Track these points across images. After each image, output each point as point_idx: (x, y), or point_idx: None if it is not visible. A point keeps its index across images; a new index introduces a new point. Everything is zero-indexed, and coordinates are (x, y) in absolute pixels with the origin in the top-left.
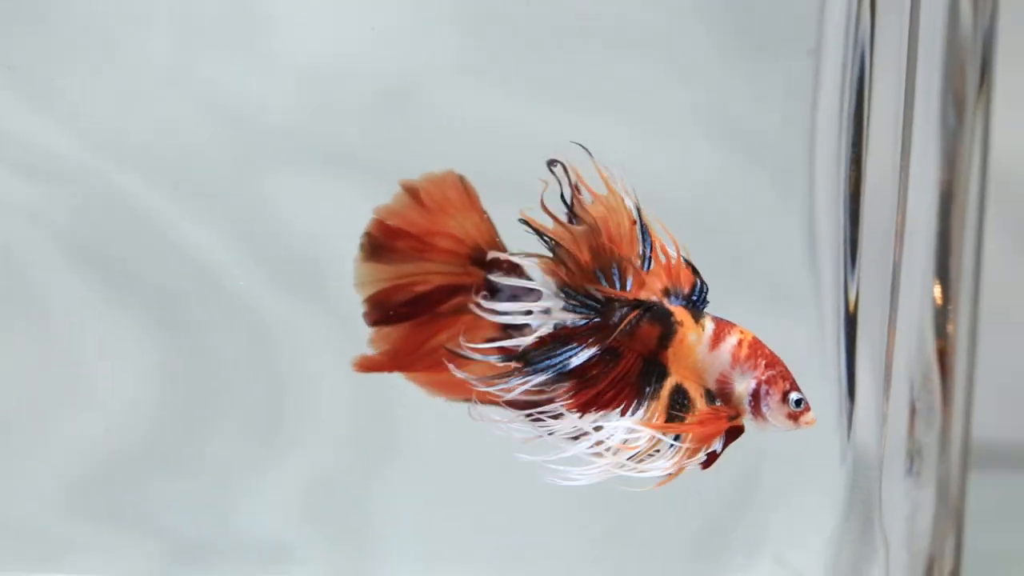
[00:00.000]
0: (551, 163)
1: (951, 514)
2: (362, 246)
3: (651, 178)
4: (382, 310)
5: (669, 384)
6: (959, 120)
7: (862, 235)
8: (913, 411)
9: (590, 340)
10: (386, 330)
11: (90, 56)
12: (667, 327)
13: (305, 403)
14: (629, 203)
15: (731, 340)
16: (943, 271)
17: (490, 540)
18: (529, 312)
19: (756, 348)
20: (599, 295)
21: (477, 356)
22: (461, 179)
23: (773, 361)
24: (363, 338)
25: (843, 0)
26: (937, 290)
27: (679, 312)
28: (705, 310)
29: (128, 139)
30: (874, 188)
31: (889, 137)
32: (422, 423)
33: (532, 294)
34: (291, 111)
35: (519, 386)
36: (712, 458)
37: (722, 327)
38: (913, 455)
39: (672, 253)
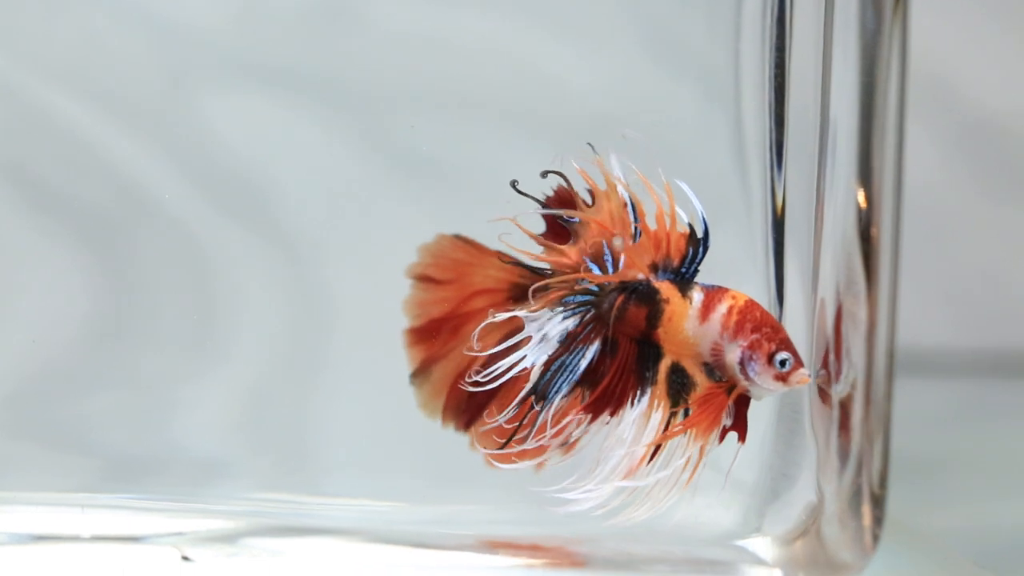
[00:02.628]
0: (544, 174)
1: (879, 416)
2: (416, 375)
3: (576, 86)
4: (466, 409)
5: (664, 365)
6: (878, 23)
7: (787, 139)
8: (839, 314)
9: (591, 336)
10: (484, 423)
11: None
12: (653, 306)
13: (238, 316)
14: (621, 189)
15: (720, 309)
16: (866, 174)
17: (429, 450)
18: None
19: (745, 313)
20: (591, 285)
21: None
22: (456, 237)
23: (760, 323)
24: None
25: None
26: (860, 194)
27: (665, 288)
28: (697, 279)
29: (53, 52)
30: (798, 92)
31: (811, 40)
32: (358, 334)
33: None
34: (224, 23)
35: (545, 428)
36: (737, 431)
37: (711, 296)
38: (841, 357)
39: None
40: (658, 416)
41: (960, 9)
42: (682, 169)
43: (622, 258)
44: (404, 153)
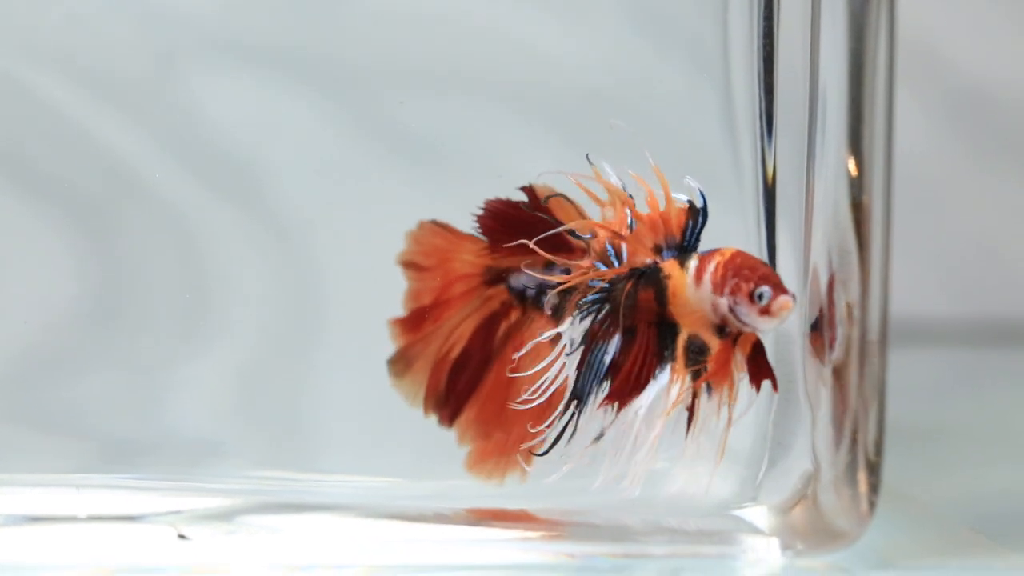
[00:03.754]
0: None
1: (873, 383)
2: (393, 363)
3: (564, 60)
4: (449, 401)
5: (681, 339)
6: None
7: (777, 108)
8: (832, 283)
9: (610, 331)
10: (463, 418)
11: None
12: (658, 285)
13: (230, 296)
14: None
15: (709, 269)
16: (856, 142)
17: (423, 425)
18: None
19: (728, 264)
20: (602, 282)
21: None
22: (434, 222)
23: (740, 267)
24: (288, 234)
25: None
26: (851, 162)
27: (667, 265)
28: (697, 247)
29: (41, 35)
30: (787, 61)
31: (799, 9)
32: (349, 311)
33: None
34: (208, 4)
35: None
36: (763, 378)
37: (704, 260)
38: (834, 325)
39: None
40: (677, 388)
41: None
42: (672, 142)
43: (624, 249)
44: (395, 132)
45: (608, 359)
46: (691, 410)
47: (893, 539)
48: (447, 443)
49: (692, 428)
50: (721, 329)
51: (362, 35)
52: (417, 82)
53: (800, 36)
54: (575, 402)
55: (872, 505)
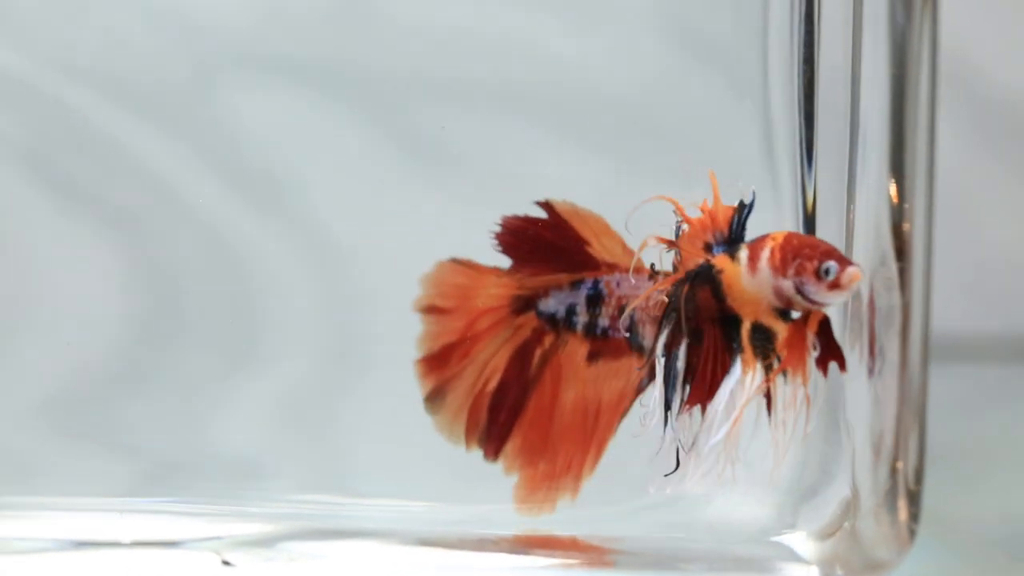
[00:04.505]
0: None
1: (914, 413)
2: (429, 402)
3: (610, 82)
4: (492, 435)
5: (745, 329)
6: (908, 16)
7: (817, 135)
8: (872, 310)
9: (679, 337)
10: (510, 447)
11: None
12: (713, 281)
13: (272, 316)
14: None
15: (764, 255)
16: (898, 169)
17: (462, 451)
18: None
19: (785, 246)
20: (664, 296)
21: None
22: (454, 260)
23: (799, 248)
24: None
25: None
26: (892, 188)
27: (718, 260)
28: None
29: (78, 53)
30: (828, 87)
31: (840, 36)
32: (392, 334)
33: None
34: (245, 19)
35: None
36: (831, 358)
37: (755, 248)
38: (874, 354)
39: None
40: (750, 379)
41: None
42: (712, 167)
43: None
44: (434, 147)
45: (682, 365)
46: (768, 398)
47: (929, 565)
48: (489, 468)
49: (773, 416)
50: (784, 313)
51: (399, 49)
52: (441, 92)
53: (841, 61)
54: (668, 410)
55: (912, 533)
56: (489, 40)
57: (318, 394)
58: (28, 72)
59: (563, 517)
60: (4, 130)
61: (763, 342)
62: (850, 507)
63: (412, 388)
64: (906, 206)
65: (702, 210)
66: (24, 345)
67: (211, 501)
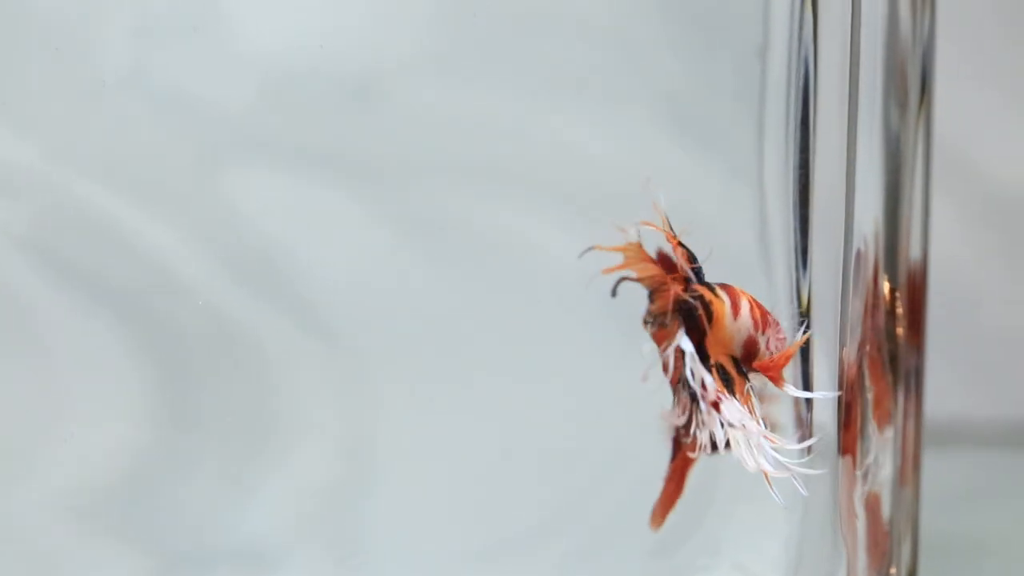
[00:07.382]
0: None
1: (907, 517)
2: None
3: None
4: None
5: (712, 365)
6: (902, 121)
7: (812, 238)
8: (865, 414)
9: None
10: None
11: (41, 60)
12: (707, 309)
13: (289, 410)
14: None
15: (744, 305)
16: (892, 273)
17: (482, 546)
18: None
19: (759, 303)
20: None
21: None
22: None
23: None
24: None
25: (787, 2)
26: (887, 290)
27: (705, 292)
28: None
29: (86, 144)
30: (823, 192)
31: (835, 137)
32: (412, 429)
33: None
34: (252, 108)
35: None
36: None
37: (732, 294)
38: (867, 457)
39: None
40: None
41: (980, 84)
42: (707, 270)
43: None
44: (439, 229)
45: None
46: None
47: None
48: (510, 556)
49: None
50: (737, 362)
51: (393, 135)
52: (451, 182)
53: (838, 167)
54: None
55: None
56: (490, 127)
57: (340, 490)
58: (35, 162)
59: None
60: (12, 222)
61: (726, 382)
62: None
63: (435, 486)
64: (899, 312)
65: (668, 239)
66: (35, 438)
67: None
